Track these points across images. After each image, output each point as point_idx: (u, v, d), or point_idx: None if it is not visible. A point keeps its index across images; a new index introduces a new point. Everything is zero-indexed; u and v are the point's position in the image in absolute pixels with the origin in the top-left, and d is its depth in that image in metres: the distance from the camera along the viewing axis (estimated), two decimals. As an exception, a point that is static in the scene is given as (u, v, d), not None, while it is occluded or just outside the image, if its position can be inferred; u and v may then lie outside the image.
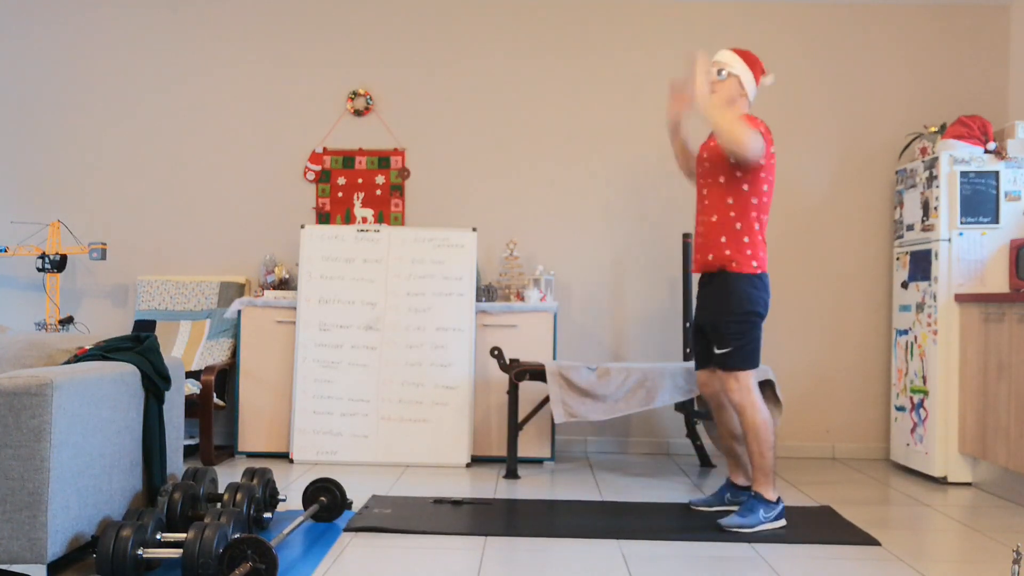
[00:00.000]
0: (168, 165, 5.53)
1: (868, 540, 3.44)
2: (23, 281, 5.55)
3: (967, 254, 4.61)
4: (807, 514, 3.86)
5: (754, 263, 3.63)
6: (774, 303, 5.42)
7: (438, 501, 3.98)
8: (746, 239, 3.61)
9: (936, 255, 4.67)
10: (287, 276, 5.31)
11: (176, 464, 3.64)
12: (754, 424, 3.58)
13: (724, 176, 3.64)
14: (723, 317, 3.63)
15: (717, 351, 3.64)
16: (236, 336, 5.18)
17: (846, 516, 3.85)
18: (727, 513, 3.74)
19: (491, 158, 5.50)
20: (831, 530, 3.59)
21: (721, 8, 5.46)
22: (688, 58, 3.50)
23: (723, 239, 3.63)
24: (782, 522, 3.61)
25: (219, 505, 3.44)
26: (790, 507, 3.97)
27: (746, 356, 3.62)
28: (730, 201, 3.62)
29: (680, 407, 4.97)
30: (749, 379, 3.63)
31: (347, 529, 3.47)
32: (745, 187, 3.62)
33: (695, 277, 5.03)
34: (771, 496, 3.59)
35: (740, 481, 3.89)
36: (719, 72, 3.68)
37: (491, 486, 4.38)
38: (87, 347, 3.31)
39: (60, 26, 5.55)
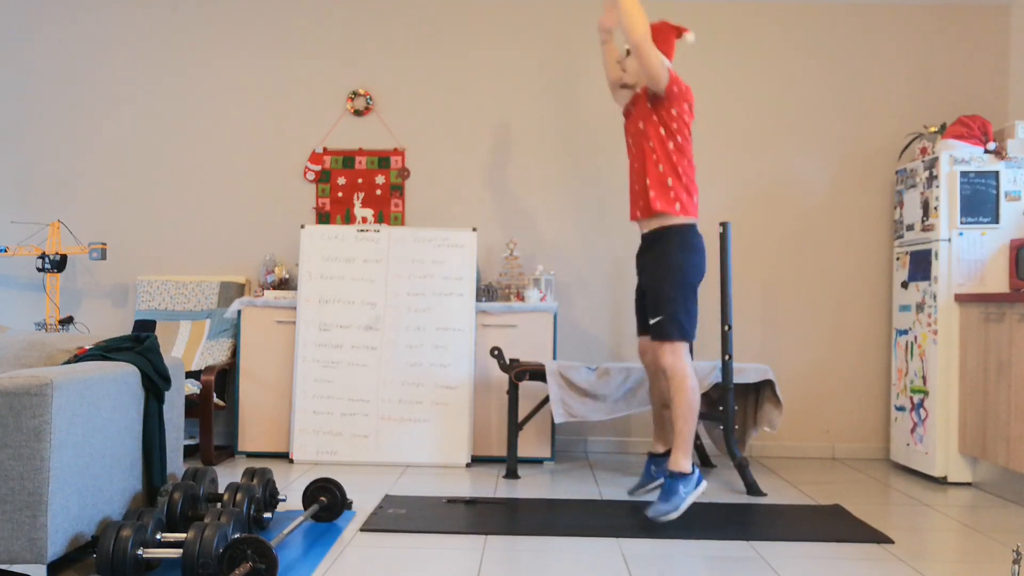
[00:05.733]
0: (168, 165, 5.54)
1: (881, 538, 3.45)
2: (23, 281, 5.55)
3: (967, 254, 4.61)
4: (818, 512, 3.87)
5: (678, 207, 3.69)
6: (773, 304, 5.43)
7: (451, 501, 3.99)
8: (670, 181, 3.69)
9: (936, 255, 4.67)
10: (287, 276, 5.31)
11: (176, 464, 3.64)
12: (683, 388, 3.63)
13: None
14: (661, 282, 3.67)
15: (651, 320, 3.65)
16: (236, 336, 5.18)
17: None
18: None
19: (491, 158, 5.50)
20: (841, 528, 3.58)
21: (721, 8, 5.46)
22: None
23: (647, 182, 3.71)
24: (703, 486, 3.63)
25: (219, 505, 3.44)
26: (793, 506, 3.98)
27: (681, 323, 3.64)
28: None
29: (680, 407, 4.97)
30: (683, 347, 3.68)
31: (363, 529, 3.48)
32: (662, 130, 3.69)
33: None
34: (687, 468, 3.63)
35: (659, 449, 3.99)
36: (628, 53, 3.81)
37: (491, 486, 4.38)
38: (87, 347, 3.31)
39: (60, 26, 5.55)
